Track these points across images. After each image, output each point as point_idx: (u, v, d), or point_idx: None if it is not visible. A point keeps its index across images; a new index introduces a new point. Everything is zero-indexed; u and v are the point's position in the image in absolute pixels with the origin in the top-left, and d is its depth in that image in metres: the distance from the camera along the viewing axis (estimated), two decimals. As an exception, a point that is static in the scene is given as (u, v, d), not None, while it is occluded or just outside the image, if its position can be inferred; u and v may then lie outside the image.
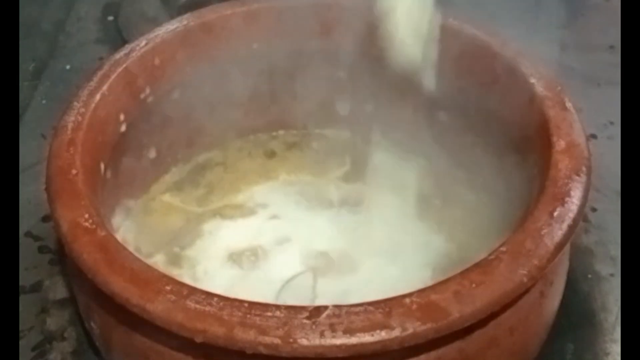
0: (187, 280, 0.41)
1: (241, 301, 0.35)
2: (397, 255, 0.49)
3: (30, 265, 0.53)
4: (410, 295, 0.35)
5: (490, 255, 0.37)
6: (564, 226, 0.39)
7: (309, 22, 0.54)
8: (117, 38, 0.71)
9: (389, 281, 0.48)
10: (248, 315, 0.35)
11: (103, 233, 0.39)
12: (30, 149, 0.56)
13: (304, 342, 0.34)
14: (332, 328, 0.34)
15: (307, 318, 0.35)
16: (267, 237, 0.51)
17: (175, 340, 0.36)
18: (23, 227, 0.54)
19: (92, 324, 0.43)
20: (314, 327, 0.34)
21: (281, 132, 0.59)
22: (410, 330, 0.34)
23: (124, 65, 0.49)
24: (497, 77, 0.48)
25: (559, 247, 0.38)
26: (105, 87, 0.47)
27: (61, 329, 0.49)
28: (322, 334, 0.34)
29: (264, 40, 0.54)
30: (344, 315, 0.35)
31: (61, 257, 0.52)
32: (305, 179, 0.56)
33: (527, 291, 0.38)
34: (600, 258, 0.52)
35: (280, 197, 0.55)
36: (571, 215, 0.39)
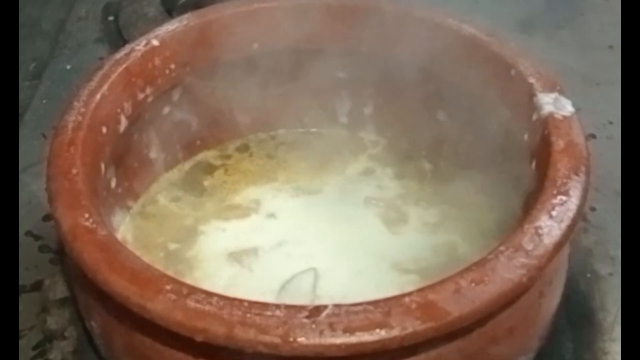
0: (187, 279, 0.41)
1: (241, 300, 0.35)
2: (396, 256, 0.50)
3: (31, 265, 0.53)
4: (409, 294, 0.36)
5: (489, 254, 0.37)
6: (563, 226, 0.39)
7: (309, 21, 0.54)
8: (117, 38, 0.71)
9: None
10: (248, 315, 0.35)
11: (103, 232, 0.39)
12: (30, 149, 0.56)
13: (304, 341, 0.34)
14: (332, 327, 0.34)
15: (307, 317, 0.35)
16: (268, 237, 0.51)
17: (175, 340, 0.36)
18: (23, 227, 0.54)
19: (93, 323, 0.43)
20: (313, 326, 0.34)
21: (281, 131, 0.59)
22: (410, 330, 0.34)
23: (124, 65, 0.49)
24: (496, 76, 0.48)
25: (558, 246, 0.38)
26: (105, 87, 0.47)
27: (61, 328, 0.49)
28: (321, 333, 0.34)
29: (264, 40, 0.54)
30: (344, 314, 0.35)
31: (61, 256, 0.52)
32: (305, 179, 0.56)
33: (526, 290, 0.38)
34: (599, 257, 0.52)
35: (280, 198, 0.55)
36: (570, 214, 0.39)
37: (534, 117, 0.45)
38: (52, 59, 0.71)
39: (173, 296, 0.36)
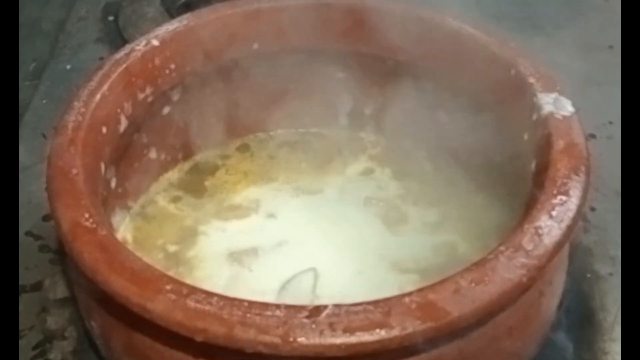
0: (187, 280, 0.41)
1: (241, 300, 0.35)
2: (395, 255, 0.50)
3: (31, 265, 0.53)
4: (409, 294, 0.36)
5: (489, 254, 0.37)
6: (563, 226, 0.39)
7: (309, 21, 0.54)
8: (117, 38, 0.71)
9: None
10: (248, 315, 0.35)
11: (103, 232, 0.39)
12: (30, 149, 0.56)
13: (304, 341, 0.34)
14: (332, 327, 0.34)
15: (307, 317, 0.35)
16: (268, 237, 0.51)
17: (175, 340, 0.36)
18: (23, 227, 0.54)
19: (93, 323, 0.43)
20: (313, 326, 0.34)
21: (281, 131, 0.59)
22: (410, 330, 0.34)
23: (124, 65, 0.49)
24: (496, 77, 0.48)
25: (558, 246, 0.38)
26: (105, 87, 0.47)
27: (61, 328, 0.49)
28: (321, 333, 0.34)
29: (264, 40, 0.54)
30: (344, 314, 0.35)
31: (61, 256, 0.52)
32: (305, 179, 0.56)
33: (526, 290, 0.38)
34: (599, 257, 0.52)
35: (280, 198, 0.55)
36: (570, 214, 0.39)
37: (534, 117, 0.45)
38: (52, 59, 0.71)
39: (173, 296, 0.36)
